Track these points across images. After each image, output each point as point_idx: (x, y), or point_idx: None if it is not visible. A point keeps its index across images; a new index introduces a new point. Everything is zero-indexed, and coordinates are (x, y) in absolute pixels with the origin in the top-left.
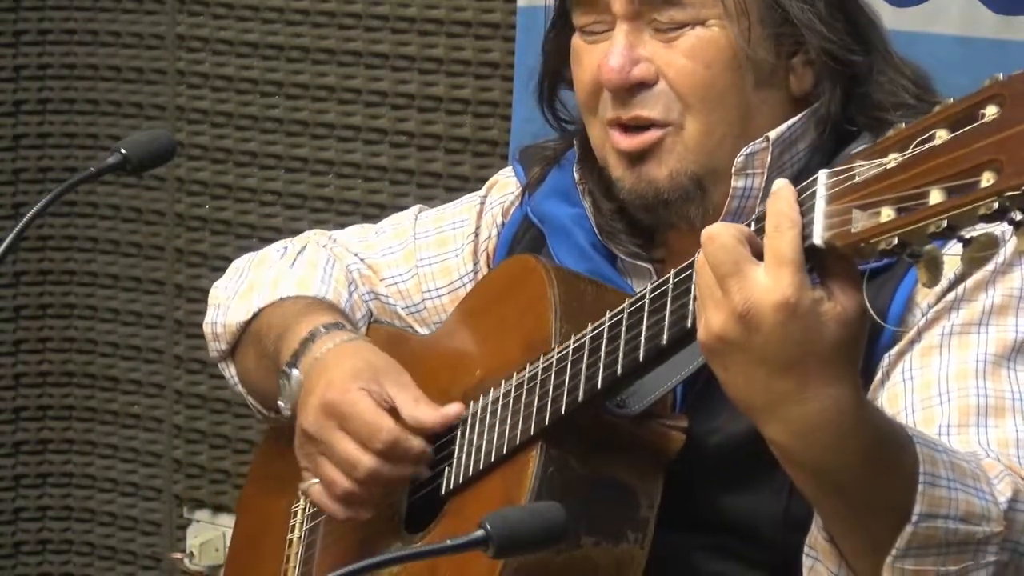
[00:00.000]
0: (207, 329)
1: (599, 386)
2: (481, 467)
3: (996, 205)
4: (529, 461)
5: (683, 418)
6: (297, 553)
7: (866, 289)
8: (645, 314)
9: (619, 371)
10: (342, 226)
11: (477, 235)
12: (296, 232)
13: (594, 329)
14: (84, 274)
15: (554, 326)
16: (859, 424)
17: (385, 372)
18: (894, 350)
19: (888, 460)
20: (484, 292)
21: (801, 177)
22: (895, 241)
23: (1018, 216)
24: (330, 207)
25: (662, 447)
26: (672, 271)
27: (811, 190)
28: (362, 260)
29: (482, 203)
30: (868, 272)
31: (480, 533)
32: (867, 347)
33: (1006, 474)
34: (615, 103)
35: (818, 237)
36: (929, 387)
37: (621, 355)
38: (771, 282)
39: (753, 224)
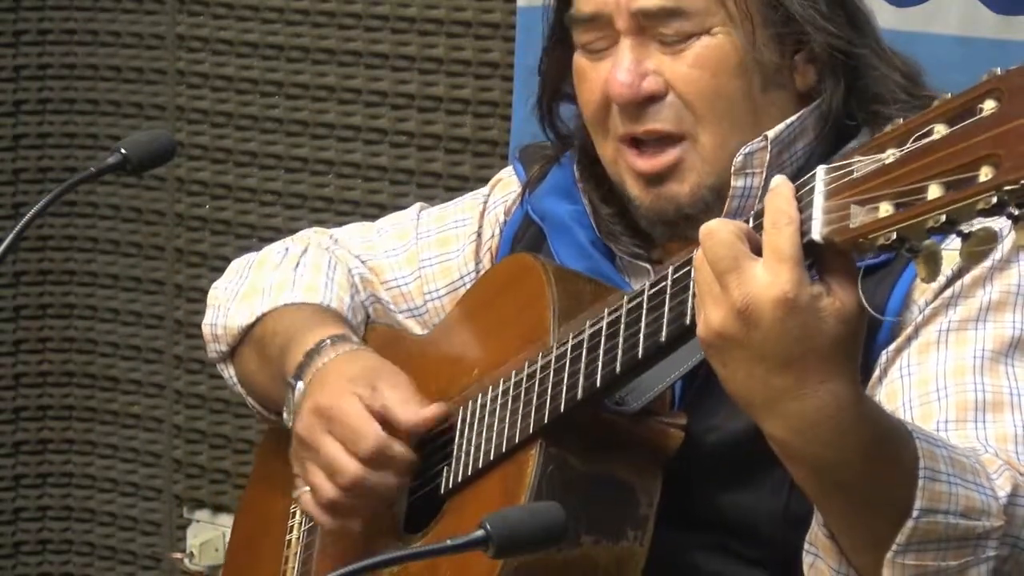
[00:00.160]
0: (206, 330)
1: (598, 384)
2: (480, 466)
3: (995, 199)
4: (528, 460)
5: (682, 415)
6: (296, 554)
7: (863, 285)
8: (644, 311)
9: (618, 369)
10: (342, 226)
11: (480, 235)
12: (296, 232)
13: (593, 327)
14: (84, 274)
15: (552, 325)
16: (858, 420)
17: (380, 374)
18: (892, 346)
19: (888, 455)
20: (482, 291)
21: (800, 175)
22: (894, 236)
23: (1016, 210)
24: (330, 207)
25: (661, 445)
26: (670, 267)
27: (809, 186)
28: (363, 262)
29: (485, 202)
30: (865, 268)
31: (480, 533)
32: (865, 344)
33: (1005, 469)
34: (626, 119)
35: (817, 233)
36: (927, 383)
37: (620, 353)
38: (770, 278)
39: (752, 220)
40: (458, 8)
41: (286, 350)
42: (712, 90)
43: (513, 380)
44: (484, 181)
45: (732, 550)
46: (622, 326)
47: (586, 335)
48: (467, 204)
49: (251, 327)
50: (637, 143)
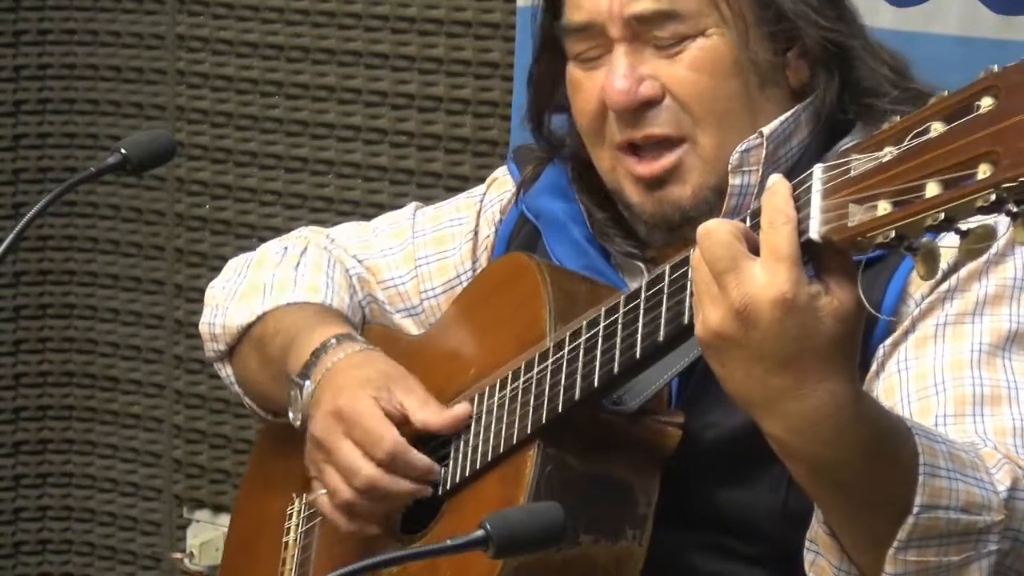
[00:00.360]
0: (204, 329)
1: (596, 384)
2: (478, 467)
3: (993, 197)
4: (527, 460)
5: (679, 414)
6: (293, 555)
7: (860, 281)
8: (641, 311)
9: (616, 369)
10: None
11: (477, 233)
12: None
13: (590, 327)
14: (84, 274)
15: (548, 324)
16: (857, 418)
17: (394, 378)
18: (889, 341)
19: (887, 453)
20: (478, 290)
21: (796, 171)
22: (892, 234)
23: (1015, 207)
24: (330, 207)
25: (659, 444)
26: (667, 265)
27: (807, 184)
28: (360, 262)
29: (481, 201)
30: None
31: (480, 533)
32: (863, 339)
33: (1004, 463)
34: (623, 126)
35: (815, 232)
36: (925, 377)
37: (618, 353)
38: (768, 278)
39: (749, 220)
40: (458, 8)
41: (289, 349)
42: (710, 91)
43: (510, 381)
44: (484, 181)
45: (731, 548)
46: (619, 326)
47: (583, 335)
48: (463, 203)
49: (251, 326)
50: (635, 149)
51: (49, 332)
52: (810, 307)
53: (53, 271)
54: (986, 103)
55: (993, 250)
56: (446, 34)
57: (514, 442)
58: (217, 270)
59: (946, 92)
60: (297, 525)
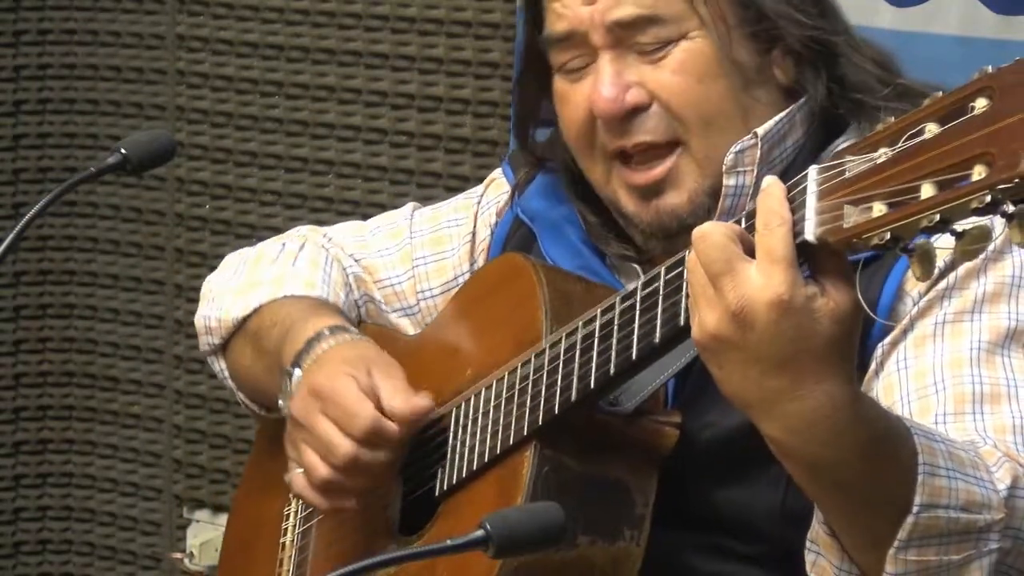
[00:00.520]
0: (199, 322)
1: (592, 386)
2: (475, 468)
3: (988, 198)
4: (523, 462)
5: (676, 414)
6: (291, 556)
7: (858, 282)
8: (637, 312)
9: (612, 370)
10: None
11: (474, 235)
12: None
13: (586, 327)
14: (84, 274)
15: (544, 325)
16: (855, 418)
17: (376, 362)
18: (887, 340)
19: (886, 452)
20: (473, 291)
21: (791, 171)
22: (887, 236)
23: (1010, 208)
24: (330, 207)
25: (656, 444)
26: (663, 266)
27: (802, 186)
28: (357, 261)
29: (479, 202)
30: (856, 262)
31: (480, 533)
32: (860, 339)
33: (1004, 461)
34: (612, 134)
35: (810, 233)
36: (924, 376)
37: (614, 354)
38: (764, 280)
39: (744, 221)
40: (458, 8)
41: (284, 340)
42: (696, 94)
43: (507, 381)
44: (483, 181)
45: (729, 548)
46: (615, 327)
47: (579, 336)
48: (461, 204)
49: (246, 319)
50: (627, 158)
51: (49, 332)
52: (806, 308)
53: (53, 271)
54: (980, 104)
55: (991, 248)
56: (446, 34)
57: (511, 443)
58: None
59: (940, 93)
60: (294, 526)
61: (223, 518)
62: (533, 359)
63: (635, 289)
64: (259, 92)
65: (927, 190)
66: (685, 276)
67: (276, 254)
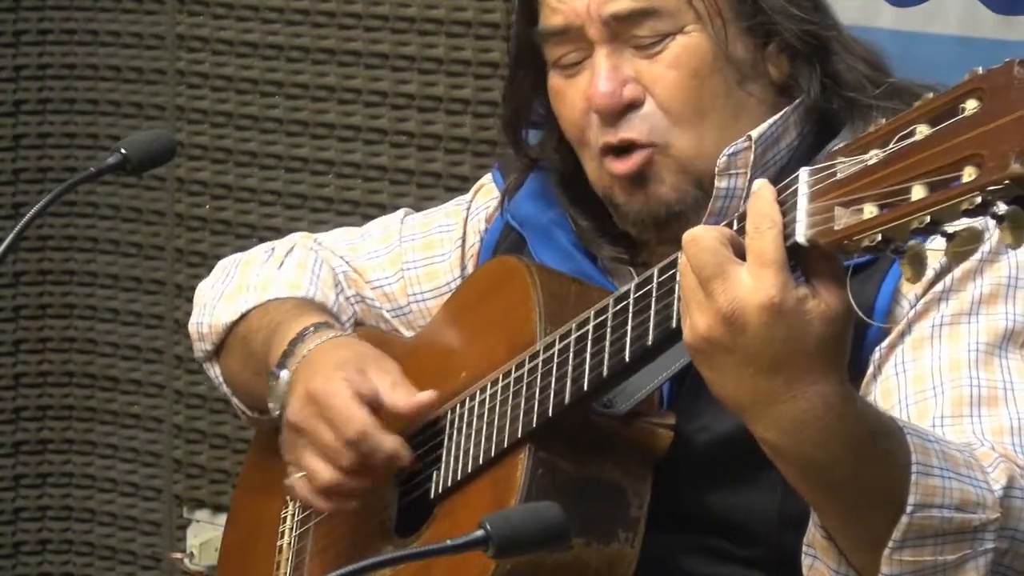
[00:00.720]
0: (192, 329)
1: (585, 388)
2: (470, 470)
3: (979, 200)
4: (518, 464)
5: (670, 415)
6: (288, 559)
7: (850, 284)
8: (630, 314)
9: (605, 372)
10: (342, 226)
11: (464, 241)
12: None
13: (579, 329)
14: (84, 274)
15: (538, 327)
16: (847, 419)
17: (369, 359)
18: (885, 343)
19: (879, 453)
20: (468, 293)
21: (785, 174)
22: (879, 237)
23: (1001, 210)
24: (330, 207)
25: (651, 445)
26: (656, 268)
27: (793, 188)
28: (348, 263)
29: (468, 208)
30: (852, 267)
31: (480, 533)
32: (856, 342)
33: (1001, 461)
34: (603, 128)
35: (801, 235)
36: (922, 380)
37: (607, 356)
38: (754, 283)
39: (735, 224)
40: (458, 8)
41: (270, 342)
42: (692, 90)
43: (501, 383)
44: None
45: (726, 551)
46: (608, 329)
47: (572, 338)
48: (452, 210)
49: (235, 324)
50: (615, 151)
51: (49, 332)
52: (798, 311)
53: (53, 271)
54: (971, 106)
55: (987, 249)
56: (446, 34)
57: (505, 445)
58: None
59: (931, 94)
60: (292, 528)
61: (223, 518)
62: (527, 361)
63: (628, 291)
64: (259, 92)
65: (918, 191)
66: (677, 279)
67: (265, 258)
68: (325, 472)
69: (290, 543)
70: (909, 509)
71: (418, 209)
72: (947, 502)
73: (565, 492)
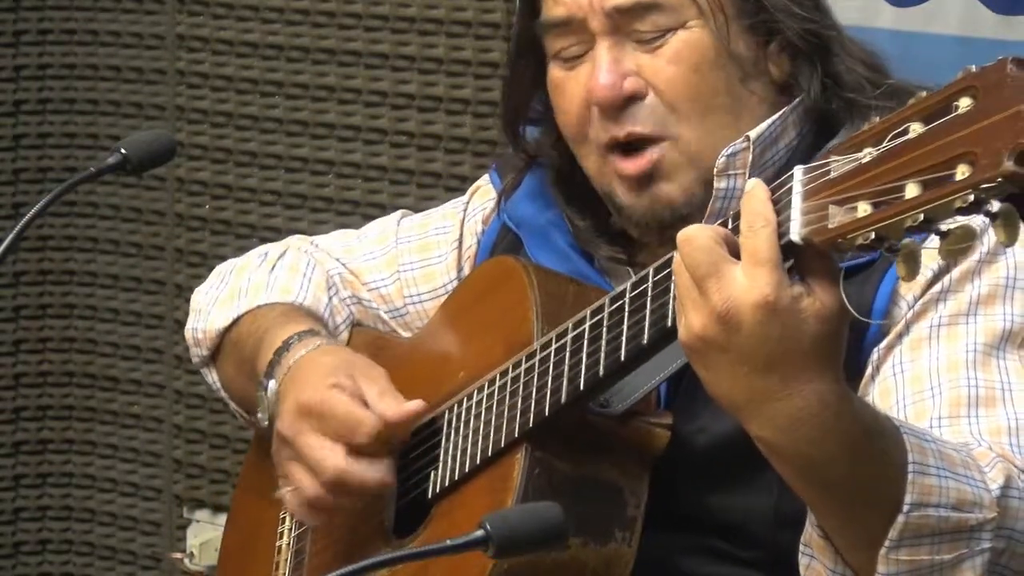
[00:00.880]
0: (188, 335)
1: (581, 387)
2: (467, 470)
3: (972, 197)
4: (514, 464)
5: (667, 415)
6: (287, 560)
7: (849, 285)
8: (626, 313)
9: (601, 371)
10: (342, 226)
11: (460, 243)
12: (296, 233)
13: (575, 328)
14: (84, 274)
15: (536, 327)
16: (843, 417)
17: (357, 366)
18: (883, 344)
19: (875, 451)
20: (465, 294)
21: (783, 174)
22: (872, 236)
23: (994, 208)
24: (330, 207)
25: (647, 445)
26: (652, 268)
27: (787, 186)
28: (344, 265)
29: (464, 210)
30: (850, 268)
31: (480, 533)
32: (855, 343)
33: (998, 461)
34: (606, 123)
35: (795, 234)
36: (920, 380)
37: (603, 355)
38: (749, 281)
39: (730, 223)
40: (458, 8)
41: (258, 350)
42: (692, 85)
43: (498, 383)
44: None
45: (724, 551)
46: (604, 328)
47: (569, 337)
48: (449, 211)
49: (229, 330)
50: (619, 148)
51: (49, 332)
52: (792, 309)
53: (53, 271)
54: (964, 104)
55: (984, 249)
56: (446, 34)
57: (502, 445)
58: None
59: (924, 93)
60: (291, 528)
61: (223, 518)
62: (524, 361)
63: (624, 290)
64: (259, 92)
65: (911, 190)
66: (672, 277)
67: (258, 263)
68: (312, 486)
69: (289, 543)
70: (905, 508)
71: (418, 210)
72: (944, 501)
73: (562, 492)
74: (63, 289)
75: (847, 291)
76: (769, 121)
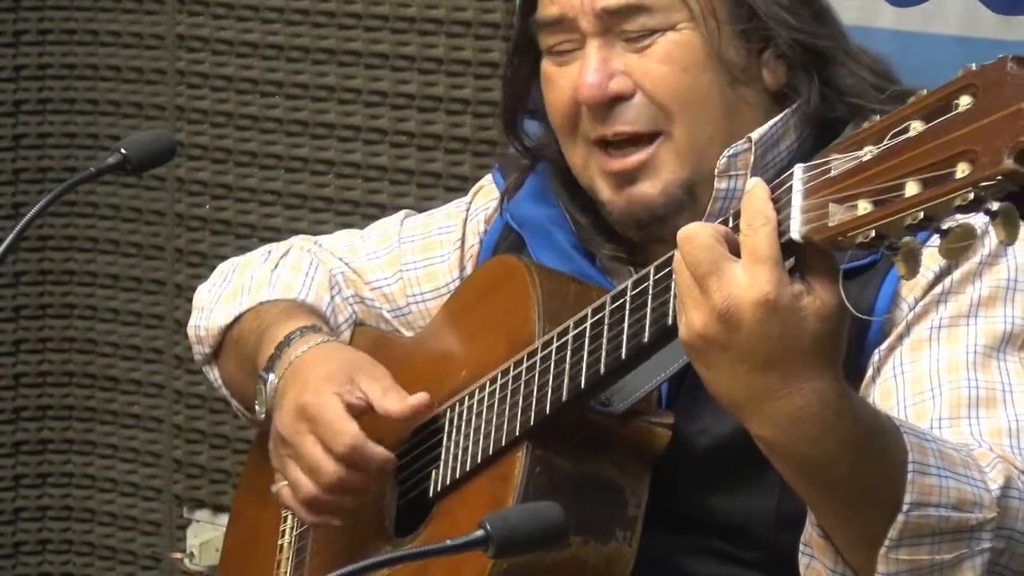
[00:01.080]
0: (191, 332)
1: (583, 385)
2: (468, 469)
3: (972, 195)
4: (515, 462)
5: (668, 414)
6: (288, 559)
7: (851, 286)
8: (627, 312)
9: (602, 370)
10: (342, 226)
11: (463, 242)
12: (296, 232)
13: (576, 327)
14: (84, 274)
15: (537, 325)
16: (844, 416)
17: (358, 368)
18: (884, 345)
19: (875, 451)
20: (467, 293)
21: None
22: (872, 234)
23: (994, 206)
24: (330, 207)
25: (648, 444)
26: (652, 266)
27: (787, 185)
28: (347, 264)
29: (467, 210)
30: (852, 269)
31: (480, 533)
32: (856, 344)
33: (998, 461)
34: (595, 121)
35: (795, 232)
36: (921, 381)
37: (604, 354)
38: (749, 280)
39: (730, 221)
40: (458, 8)
41: (259, 346)
42: (681, 86)
43: (499, 382)
44: None
45: (725, 552)
46: (605, 327)
47: (570, 336)
48: (452, 211)
49: (231, 327)
50: (607, 146)
51: (49, 332)
52: (792, 307)
53: (53, 271)
54: (964, 102)
55: (985, 251)
56: (446, 34)
57: (503, 444)
58: None
59: (924, 91)
60: (292, 528)
61: (223, 518)
62: (525, 359)
63: (625, 289)
64: (259, 92)
65: (911, 188)
66: (673, 276)
67: (261, 261)
68: (308, 486)
69: (290, 543)
70: (905, 508)
71: (418, 209)
72: (944, 501)
73: (562, 490)
74: (63, 289)
75: (848, 291)
76: (771, 123)
